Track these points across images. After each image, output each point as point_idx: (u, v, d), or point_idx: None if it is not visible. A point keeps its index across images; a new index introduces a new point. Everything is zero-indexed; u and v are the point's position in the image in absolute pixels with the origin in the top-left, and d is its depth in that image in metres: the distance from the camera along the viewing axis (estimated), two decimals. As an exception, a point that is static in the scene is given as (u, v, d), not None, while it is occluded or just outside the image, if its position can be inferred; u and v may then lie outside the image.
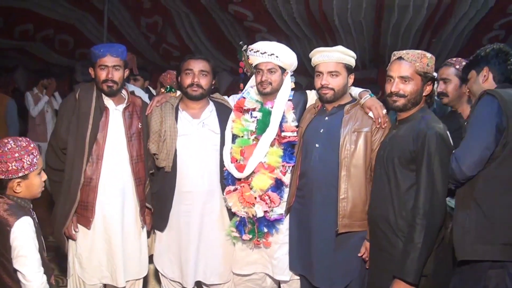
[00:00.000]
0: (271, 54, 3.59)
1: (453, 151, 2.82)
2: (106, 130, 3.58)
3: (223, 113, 3.83)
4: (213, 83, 3.82)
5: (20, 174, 2.65)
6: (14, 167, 2.61)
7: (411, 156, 2.89)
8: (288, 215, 3.63)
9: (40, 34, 11.28)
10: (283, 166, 3.57)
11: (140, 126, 3.72)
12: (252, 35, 9.99)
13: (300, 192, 3.51)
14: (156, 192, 3.79)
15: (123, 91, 3.74)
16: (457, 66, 3.77)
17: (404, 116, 3.09)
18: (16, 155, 2.61)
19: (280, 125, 3.57)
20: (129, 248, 3.67)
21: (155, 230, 3.88)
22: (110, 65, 3.54)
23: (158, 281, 4.29)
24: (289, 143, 3.58)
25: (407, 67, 2.99)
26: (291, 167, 3.59)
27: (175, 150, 3.67)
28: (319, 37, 9.90)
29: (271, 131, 3.55)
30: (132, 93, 3.86)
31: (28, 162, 2.65)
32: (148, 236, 3.92)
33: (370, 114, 3.35)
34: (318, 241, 3.38)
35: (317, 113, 3.57)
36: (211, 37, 11.05)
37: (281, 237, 3.65)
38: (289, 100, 3.67)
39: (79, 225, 3.60)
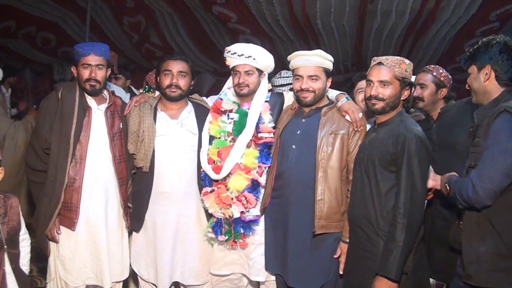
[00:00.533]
0: (249, 56, 3.60)
1: (471, 177, 2.61)
2: (89, 129, 3.56)
3: (202, 114, 3.84)
4: (192, 83, 3.82)
5: None
6: None
7: (391, 158, 2.97)
8: (263, 216, 3.64)
9: (22, 31, 11.16)
10: (259, 167, 3.59)
11: (121, 126, 3.71)
12: (236, 37, 9.98)
13: (275, 193, 3.53)
14: (134, 193, 3.78)
15: (105, 91, 3.72)
16: (434, 73, 3.95)
17: (382, 120, 3.16)
18: None
19: (257, 126, 3.59)
20: (112, 249, 3.65)
21: (132, 231, 3.87)
22: (94, 64, 3.52)
23: (136, 283, 4.30)
24: (265, 144, 3.59)
25: (386, 72, 3.07)
26: (267, 167, 3.61)
27: (153, 151, 3.67)
28: (302, 40, 9.93)
29: (248, 132, 3.57)
30: (113, 93, 3.84)
31: None
32: (128, 237, 3.91)
33: (347, 117, 3.40)
34: (294, 242, 3.40)
35: (294, 115, 3.59)
36: (194, 38, 11.02)
37: (257, 238, 3.67)
38: (266, 101, 3.69)
39: (62, 227, 3.56)
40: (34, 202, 3.67)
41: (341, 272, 3.31)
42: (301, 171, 3.39)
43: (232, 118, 3.69)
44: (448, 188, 2.88)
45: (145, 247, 3.80)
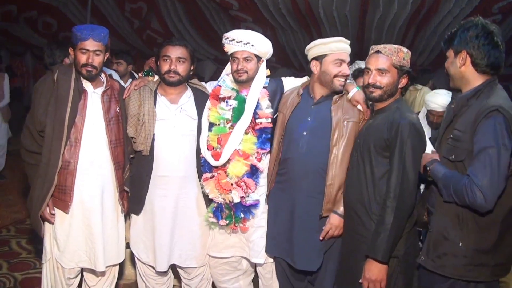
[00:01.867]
0: (247, 42, 3.59)
1: (473, 181, 2.46)
2: (84, 113, 3.53)
3: (201, 99, 3.84)
4: (191, 69, 3.81)
5: None
6: None
7: (385, 143, 3.01)
8: (266, 200, 3.68)
9: (23, 15, 11.16)
10: (257, 152, 3.61)
11: (118, 110, 3.69)
12: (237, 24, 9.99)
13: (280, 178, 3.55)
14: (132, 176, 3.79)
15: (102, 75, 3.70)
16: None
17: (380, 107, 3.19)
18: None
19: (255, 112, 3.60)
20: (108, 233, 3.65)
21: (131, 214, 3.89)
22: (91, 49, 3.47)
23: (134, 265, 4.33)
24: (263, 129, 3.61)
25: (384, 60, 3.08)
26: (266, 153, 3.64)
27: (153, 134, 3.68)
28: (304, 29, 9.93)
29: (246, 119, 3.58)
30: (110, 76, 3.82)
31: None
32: (125, 221, 3.92)
33: (359, 107, 3.43)
34: (301, 226, 3.43)
35: (300, 100, 3.59)
36: (196, 25, 11.02)
37: (257, 220, 3.69)
38: (264, 87, 3.70)
39: (56, 209, 3.57)
40: (29, 184, 3.65)
41: (320, 238, 3.38)
42: (313, 157, 3.41)
43: (231, 105, 3.69)
44: (427, 172, 2.79)
45: (143, 230, 3.82)
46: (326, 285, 3.46)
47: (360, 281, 3.04)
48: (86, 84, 3.58)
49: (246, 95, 3.64)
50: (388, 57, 3.07)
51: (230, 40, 3.64)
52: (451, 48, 2.78)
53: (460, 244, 2.61)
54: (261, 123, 3.60)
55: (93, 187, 3.57)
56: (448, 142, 2.71)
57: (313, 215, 3.40)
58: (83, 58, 3.48)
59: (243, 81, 3.65)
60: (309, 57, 3.58)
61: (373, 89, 3.10)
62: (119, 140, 3.67)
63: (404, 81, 3.14)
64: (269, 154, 3.67)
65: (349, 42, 3.54)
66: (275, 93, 3.75)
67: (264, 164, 3.65)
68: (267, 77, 3.74)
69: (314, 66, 3.53)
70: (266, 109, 3.63)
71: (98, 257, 3.59)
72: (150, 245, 3.80)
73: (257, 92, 3.63)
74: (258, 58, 3.67)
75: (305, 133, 3.45)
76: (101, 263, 3.60)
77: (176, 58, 3.67)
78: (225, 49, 3.73)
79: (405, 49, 3.12)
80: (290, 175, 3.49)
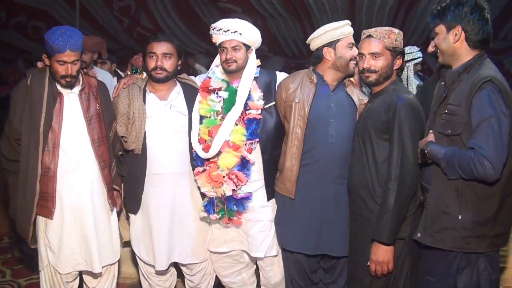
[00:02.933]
0: (234, 31, 3.56)
1: (479, 153, 2.46)
2: (61, 116, 3.45)
3: (191, 94, 3.81)
4: (179, 63, 3.78)
5: None
6: None
7: (383, 126, 3.02)
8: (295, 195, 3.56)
9: (12, 21, 11.12)
10: (246, 144, 3.57)
11: (98, 107, 3.63)
12: (227, 16, 9.89)
13: (309, 168, 3.49)
14: (127, 175, 3.77)
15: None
16: None
17: (377, 90, 3.21)
18: None
19: (245, 104, 3.57)
20: (101, 233, 3.63)
21: (129, 214, 3.87)
22: (70, 61, 3.39)
23: (134, 264, 4.36)
24: (252, 120, 3.58)
25: (376, 43, 3.11)
26: (255, 143, 3.61)
27: (144, 132, 3.65)
28: (294, 17, 9.90)
29: (237, 110, 3.55)
30: (86, 73, 3.75)
31: None
32: (118, 219, 3.90)
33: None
34: (334, 213, 3.45)
35: (316, 89, 3.52)
36: (185, 20, 10.99)
37: (255, 215, 3.67)
38: (255, 77, 3.67)
39: (42, 217, 3.53)
40: (9, 193, 3.61)
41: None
42: (341, 144, 3.41)
43: (221, 97, 3.66)
44: (426, 155, 2.76)
45: (142, 229, 3.81)
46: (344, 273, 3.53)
47: (368, 263, 3.06)
48: (61, 87, 3.51)
49: (237, 86, 3.60)
50: (380, 40, 3.10)
51: (217, 30, 3.62)
52: (442, 23, 2.76)
53: (460, 217, 2.63)
54: (250, 113, 3.57)
55: (81, 189, 3.53)
56: (443, 117, 2.70)
57: (344, 200, 3.40)
58: (61, 70, 3.40)
59: (232, 71, 3.62)
60: (317, 45, 3.54)
61: (369, 74, 3.13)
62: (102, 138, 3.61)
63: (398, 62, 3.16)
64: (257, 146, 3.63)
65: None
66: (269, 85, 3.70)
67: (254, 156, 3.61)
68: (258, 67, 3.71)
69: (328, 53, 3.50)
70: (257, 101, 3.59)
71: (94, 259, 3.57)
72: (149, 244, 3.79)
73: (248, 82, 3.60)
74: (247, 47, 3.64)
75: (332, 120, 3.43)
76: (97, 264, 3.58)
77: (162, 54, 3.64)
78: (213, 40, 3.71)
79: (396, 30, 3.14)
80: (320, 164, 3.45)
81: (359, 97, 3.53)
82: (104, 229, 3.65)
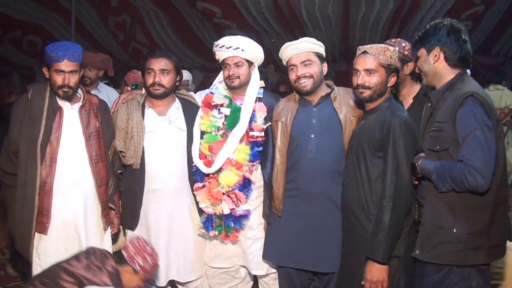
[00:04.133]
0: (237, 48, 3.58)
1: (468, 164, 2.53)
2: (60, 131, 3.45)
3: (190, 110, 3.82)
4: (177, 79, 3.79)
5: None
6: None
7: (378, 143, 3.01)
8: (267, 212, 3.60)
9: (7, 35, 11.13)
10: (247, 165, 3.58)
11: (98, 125, 3.62)
12: (222, 32, 9.98)
13: (292, 185, 3.48)
14: (125, 191, 3.76)
15: (78, 90, 3.62)
16: (397, 47, 3.55)
17: (371, 107, 3.19)
18: None
19: (250, 123, 3.58)
20: None
21: (126, 230, 3.85)
22: (67, 70, 3.40)
23: None
24: (255, 142, 3.59)
25: (371, 60, 3.10)
26: (257, 165, 3.62)
27: (143, 147, 3.65)
28: (288, 32, 9.95)
29: (241, 127, 3.55)
30: (88, 92, 3.75)
31: None
32: (115, 241, 3.88)
33: None
34: (321, 228, 3.40)
35: (299, 105, 3.54)
36: (180, 35, 11.02)
37: (253, 232, 3.67)
38: (259, 98, 3.66)
39: (36, 233, 3.47)
40: (7, 206, 3.60)
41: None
42: (324, 158, 3.38)
43: (222, 113, 3.67)
44: (416, 169, 2.84)
45: None
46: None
47: (362, 283, 3.02)
48: (62, 102, 3.51)
49: (240, 104, 3.61)
50: (375, 57, 3.09)
51: (220, 47, 3.63)
52: (422, 47, 2.92)
53: (455, 230, 2.66)
54: (255, 136, 3.58)
55: (75, 205, 3.50)
56: (431, 135, 2.79)
57: (331, 216, 3.37)
58: (59, 79, 3.41)
59: (235, 87, 3.63)
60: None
61: (363, 90, 3.12)
62: (101, 156, 3.60)
63: (393, 79, 3.15)
64: (259, 166, 3.64)
65: (301, 40, 3.52)
66: (272, 107, 3.70)
67: (255, 177, 3.63)
68: (261, 88, 3.72)
69: (324, 66, 3.53)
70: (260, 122, 3.60)
71: None
72: None
73: (252, 99, 3.61)
74: (250, 63, 3.66)
75: (312, 136, 3.42)
76: None
77: (159, 70, 3.65)
78: (216, 57, 3.72)
79: (391, 48, 3.15)
80: (301, 180, 3.44)
81: (350, 109, 3.44)
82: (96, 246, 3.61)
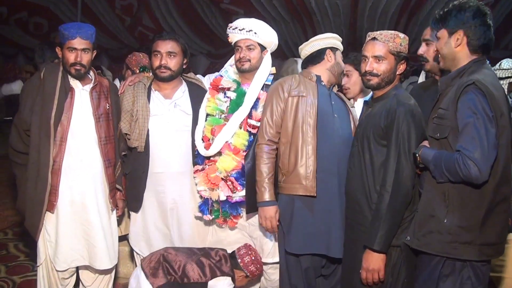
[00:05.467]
0: (249, 30, 3.56)
1: (464, 154, 2.44)
2: (71, 111, 3.47)
3: (196, 94, 3.81)
4: (184, 62, 3.78)
5: None
6: None
7: (382, 132, 2.96)
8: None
9: (13, 17, 11.11)
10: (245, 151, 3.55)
11: (108, 107, 3.64)
12: (229, 18, 9.94)
13: (322, 162, 3.34)
14: (129, 174, 3.77)
15: (90, 72, 3.64)
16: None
17: (378, 94, 3.15)
18: None
19: (251, 110, 3.56)
20: (105, 231, 3.60)
21: (130, 212, 3.86)
22: (79, 48, 3.43)
23: (129, 264, 4.39)
24: (251, 132, 3.55)
25: (380, 47, 3.04)
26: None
27: (147, 130, 3.65)
28: (296, 20, 9.89)
29: (243, 111, 3.53)
30: (99, 73, 3.76)
31: None
32: (119, 223, 3.89)
33: None
34: (341, 211, 3.34)
35: (317, 86, 3.47)
36: (187, 20, 10.97)
37: (256, 219, 3.62)
38: (267, 85, 3.62)
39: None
40: (17, 185, 3.61)
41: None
42: (347, 138, 3.39)
43: (228, 97, 3.66)
44: (418, 159, 2.75)
45: (143, 227, 3.80)
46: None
47: (360, 271, 3.00)
48: (74, 82, 3.53)
49: (247, 88, 3.60)
50: (384, 44, 3.03)
51: (233, 29, 3.62)
52: (444, 28, 2.74)
53: (445, 221, 2.60)
54: (251, 124, 3.55)
55: (84, 185, 3.52)
56: (434, 121, 2.70)
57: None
58: (71, 57, 3.44)
59: (245, 70, 3.61)
60: (321, 46, 3.52)
61: (370, 77, 3.07)
62: (109, 137, 3.62)
63: (402, 67, 3.10)
64: None
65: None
66: None
67: None
68: (272, 74, 3.69)
69: (329, 56, 3.51)
70: (260, 111, 3.56)
71: (98, 255, 3.55)
72: (150, 242, 3.78)
73: (259, 85, 3.59)
74: (262, 48, 3.64)
75: (335, 115, 3.42)
76: (101, 260, 3.57)
77: (166, 52, 3.64)
78: (229, 40, 3.71)
79: (401, 35, 3.08)
80: (333, 159, 3.36)
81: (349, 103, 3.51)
82: (106, 228, 3.64)
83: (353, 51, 10.60)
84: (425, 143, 2.78)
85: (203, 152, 3.57)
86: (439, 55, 2.83)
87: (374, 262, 2.92)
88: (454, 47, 2.70)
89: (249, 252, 3.60)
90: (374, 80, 3.07)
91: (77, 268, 3.71)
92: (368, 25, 9.70)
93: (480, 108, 2.45)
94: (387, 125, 2.93)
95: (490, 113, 2.45)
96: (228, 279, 3.54)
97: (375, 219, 2.89)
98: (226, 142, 3.54)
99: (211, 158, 3.59)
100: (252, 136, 3.55)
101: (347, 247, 3.24)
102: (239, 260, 3.57)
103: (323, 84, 3.50)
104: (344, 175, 3.30)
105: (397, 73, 3.10)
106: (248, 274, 3.58)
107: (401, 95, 3.05)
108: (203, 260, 3.52)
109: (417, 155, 2.74)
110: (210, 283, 3.47)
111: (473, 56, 2.69)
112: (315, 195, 3.31)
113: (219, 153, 3.55)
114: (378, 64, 3.05)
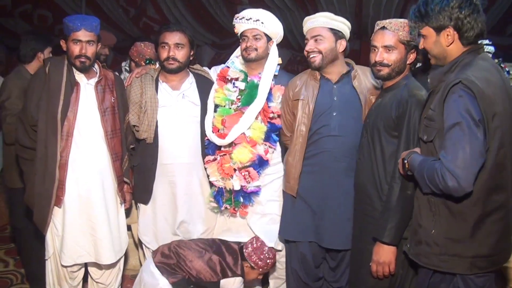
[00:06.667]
0: (256, 20, 3.58)
1: (443, 163, 2.25)
2: (76, 106, 3.47)
3: (203, 85, 3.81)
4: (191, 54, 3.77)
5: None
6: None
7: (393, 123, 2.92)
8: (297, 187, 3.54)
9: (18, 9, 11.08)
10: (265, 145, 3.61)
11: (113, 100, 3.63)
12: (234, 8, 9.89)
13: (312, 161, 3.45)
14: (138, 165, 3.77)
15: (95, 65, 3.63)
16: None
17: (389, 85, 3.10)
18: None
19: (268, 101, 3.59)
20: (112, 225, 3.61)
21: (139, 204, 3.87)
22: (84, 39, 3.42)
23: (137, 256, 4.42)
24: (274, 125, 3.61)
25: (390, 36, 2.98)
26: (274, 150, 3.66)
27: (156, 122, 3.64)
28: (301, 8, 9.83)
29: (259, 103, 3.56)
30: (104, 66, 3.74)
31: None
32: (127, 215, 3.90)
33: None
34: (339, 205, 3.39)
35: (320, 84, 3.48)
36: (192, 10, 10.92)
37: (262, 208, 3.70)
38: (275, 76, 3.66)
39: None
40: (24, 180, 3.63)
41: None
42: (346, 135, 3.37)
43: (237, 87, 3.67)
44: (406, 166, 2.58)
45: (152, 219, 3.82)
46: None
47: (370, 264, 2.98)
48: (79, 76, 3.52)
49: (258, 80, 3.61)
50: (394, 33, 2.97)
51: (240, 19, 3.64)
52: (428, 25, 2.48)
53: (433, 231, 2.47)
54: (274, 118, 3.61)
55: (91, 180, 3.53)
56: (424, 122, 2.52)
57: (350, 193, 3.32)
58: (76, 49, 3.43)
59: (252, 60, 3.63)
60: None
61: (381, 67, 3.02)
62: (116, 131, 3.62)
63: (412, 56, 3.04)
64: (278, 147, 3.68)
65: (319, 14, 3.50)
66: None
67: (271, 157, 3.64)
68: (278, 65, 3.71)
69: (342, 44, 3.47)
70: (279, 104, 3.63)
71: (103, 250, 3.56)
72: (159, 234, 3.80)
73: (270, 76, 3.61)
74: (268, 38, 3.65)
75: (335, 114, 3.39)
76: (106, 255, 3.57)
77: (174, 44, 3.65)
78: (235, 30, 3.72)
79: (410, 23, 2.99)
80: (324, 157, 3.41)
81: (368, 88, 3.40)
82: (113, 222, 3.64)
83: (358, 39, 10.56)
84: (417, 149, 2.64)
85: (218, 141, 3.59)
86: (429, 54, 2.58)
87: (384, 255, 2.89)
88: (446, 46, 2.46)
89: (255, 243, 3.60)
90: (385, 71, 3.01)
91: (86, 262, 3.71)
92: (374, 13, 9.62)
93: (463, 111, 2.23)
94: (398, 116, 2.88)
95: (477, 116, 2.22)
96: (239, 279, 3.54)
97: (385, 211, 2.86)
98: (242, 133, 3.56)
99: (223, 149, 3.61)
100: (272, 132, 3.62)
101: (356, 239, 3.23)
102: (245, 251, 3.58)
103: (327, 78, 3.47)
104: (341, 172, 3.36)
105: (407, 62, 3.04)
106: (253, 265, 3.56)
107: (412, 85, 2.99)
108: (214, 258, 3.51)
109: (405, 161, 2.58)
110: (222, 282, 3.48)
111: (466, 47, 2.46)
112: (295, 196, 3.49)
113: (233, 145, 3.58)
114: (389, 54, 2.99)
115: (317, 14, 3.42)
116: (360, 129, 3.27)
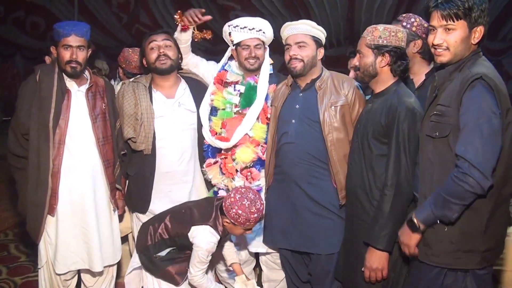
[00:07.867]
0: (259, 30, 3.61)
1: (467, 159, 2.26)
2: (68, 113, 3.45)
3: (197, 89, 3.83)
4: (180, 56, 3.80)
5: None
6: None
7: (383, 130, 2.93)
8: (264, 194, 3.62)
9: (11, 16, 11.08)
10: (262, 146, 3.62)
11: (104, 107, 3.62)
12: (226, 14, 9.92)
13: (278, 169, 3.50)
14: (135, 175, 3.76)
15: (85, 72, 3.62)
16: (404, 23, 3.33)
17: (379, 90, 3.11)
18: None
19: (266, 101, 3.63)
20: (102, 233, 3.59)
21: (136, 214, 3.85)
22: (75, 45, 3.41)
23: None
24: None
25: (361, 41, 3.07)
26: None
27: (153, 132, 3.64)
28: (293, 14, 9.87)
29: (258, 104, 3.58)
30: (94, 72, 3.73)
31: None
32: (120, 220, 3.89)
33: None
34: (304, 212, 3.38)
35: (290, 91, 3.52)
36: (184, 17, 10.96)
37: None
38: (269, 74, 3.69)
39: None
40: (17, 189, 3.60)
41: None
42: (303, 145, 3.36)
43: (238, 90, 3.70)
44: (418, 225, 2.52)
45: None
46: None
47: (362, 269, 2.98)
48: (70, 83, 3.51)
49: (254, 82, 3.66)
50: (363, 38, 3.04)
51: (241, 28, 3.63)
52: (465, 20, 2.43)
53: (446, 229, 2.45)
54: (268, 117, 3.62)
55: (83, 187, 3.50)
56: (432, 119, 2.53)
57: (316, 200, 3.35)
58: (66, 55, 3.42)
59: (255, 69, 3.66)
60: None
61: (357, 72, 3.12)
62: (107, 138, 3.60)
63: (384, 60, 2.99)
64: None
65: (301, 21, 3.48)
66: None
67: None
68: (270, 64, 3.76)
69: (321, 52, 3.48)
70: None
71: (95, 257, 3.54)
72: None
73: (267, 78, 3.65)
74: (264, 44, 3.70)
75: (293, 121, 3.41)
76: (97, 263, 3.55)
77: (163, 43, 3.68)
78: (230, 38, 3.71)
79: (381, 27, 3.00)
80: (284, 165, 3.44)
81: (333, 100, 3.34)
82: (106, 229, 3.63)
83: (350, 44, 10.59)
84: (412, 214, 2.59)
85: (222, 145, 3.60)
86: (450, 47, 2.48)
87: (377, 261, 2.90)
88: (474, 43, 2.46)
89: (232, 196, 3.23)
90: (359, 75, 3.14)
91: (78, 269, 3.69)
92: (366, 18, 9.68)
93: (485, 106, 2.27)
94: (388, 124, 2.90)
95: (497, 110, 2.27)
96: (207, 227, 3.26)
97: (378, 218, 2.87)
98: (245, 134, 3.59)
99: (223, 152, 3.64)
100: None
101: (348, 243, 3.23)
102: (223, 204, 3.24)
103: (298, 85, 3.49)
104: (302, 177, 3.38)
105: (381, 66, 3.01)
106: (233, 221, 3.21)
107: (402, 91, 2.99)
108: (185, 213, 3.36)
109: (413, 220, 2.53)
110: (189, 234, 3.28)
111: (475, 48, 2.50)
112: (267, 201, 3.54)
113: (235, 146, 3.61)
114: (359, 58, 3.07)
115: (299, 21, 3.44)
116: (318, 137, 3.32)
